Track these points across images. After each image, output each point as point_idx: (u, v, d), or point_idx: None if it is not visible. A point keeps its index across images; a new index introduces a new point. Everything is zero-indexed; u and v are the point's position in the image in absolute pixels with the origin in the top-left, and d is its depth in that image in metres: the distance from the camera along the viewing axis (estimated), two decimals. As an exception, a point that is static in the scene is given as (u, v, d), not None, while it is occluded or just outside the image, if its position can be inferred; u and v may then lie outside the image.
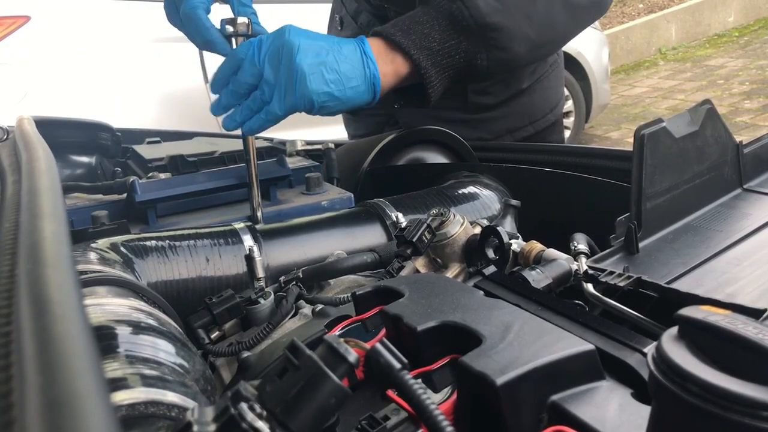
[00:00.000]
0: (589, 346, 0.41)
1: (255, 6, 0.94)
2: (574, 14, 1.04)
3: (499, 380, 0.37)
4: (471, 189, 0.98)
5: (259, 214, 0.92)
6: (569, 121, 4.57)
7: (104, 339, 0.49)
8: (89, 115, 1.36)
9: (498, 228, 0.65)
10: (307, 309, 0.69)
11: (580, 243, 0.66)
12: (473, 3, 0.93)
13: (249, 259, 0.73)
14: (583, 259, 0.64)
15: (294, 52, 0.85)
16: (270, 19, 0.93)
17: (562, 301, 0.54)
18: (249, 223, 0.84)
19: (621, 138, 5.04)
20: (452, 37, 0.94)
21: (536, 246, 0.67)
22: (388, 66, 0.93)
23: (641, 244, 0.66)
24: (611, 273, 0.60)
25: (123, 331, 0.51)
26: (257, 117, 0.89)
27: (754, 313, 0.49)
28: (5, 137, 0.78)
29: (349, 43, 0.92)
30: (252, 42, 0.88)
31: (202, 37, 0.90)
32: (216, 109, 0.91)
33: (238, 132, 0.92)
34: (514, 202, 0.88)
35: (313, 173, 1.04)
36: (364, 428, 0.42)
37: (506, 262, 0.66)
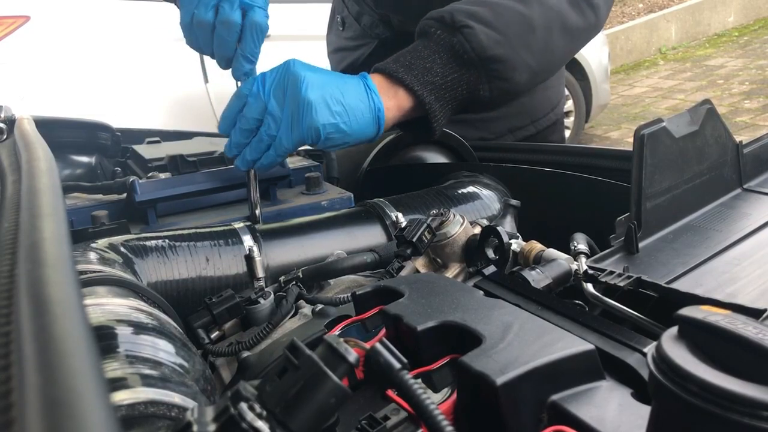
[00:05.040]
0: (589, 346, 0.41)
1: None
2: (572, 38, 1.05)
3: (499, 380, 0.37)
4: (471, 189, 0.98)
5: (257, 211, 0.92)
6: (569, 121, 4.57)
7: (104, 339, 0.49)
8: (89, 115, 1.36)
9: (498, 228, 0.65)
10: (307, 309, 0.69)
11: (580, 243, 0.66)
12: (474, 36, 0.92)
13: (249, 259, 0.73)
14: (583, 259, 0.64)
15: (299, 84, 0.85)
16: (270, 19, 0.92)
17: (562, 301, 0.54)
18: (249, 223, 0.84)
19: (621, 138, 5.04)
20: (454, 70, 0.94)
21: (536, 246, 0.67)
22: (391, 100, 0.92)
23: (641, 244, 0.66)
24: (611, 273, 0.60)
25: (123, 331, 0.51)
26: (267, 155, 0.89)
27: (754, 313, 0.49)
28: (5, 137, 0.78)
29: (353, 78, 0.92)
30: (256, 78, 0.88)
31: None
32: (229, 150, 0.91)
33: None
34: (514, 202, 0.88)
35: (313, 173, 1.04)
36: (364, 428, 0.42)
37: (506, 262, 0.66)
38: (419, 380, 0.36)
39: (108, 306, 0.55)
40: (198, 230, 0.81)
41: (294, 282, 0.72)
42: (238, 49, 0.87)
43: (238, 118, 0.89)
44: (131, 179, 0.95)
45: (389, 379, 0.36)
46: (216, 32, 0.86)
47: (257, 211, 0.92)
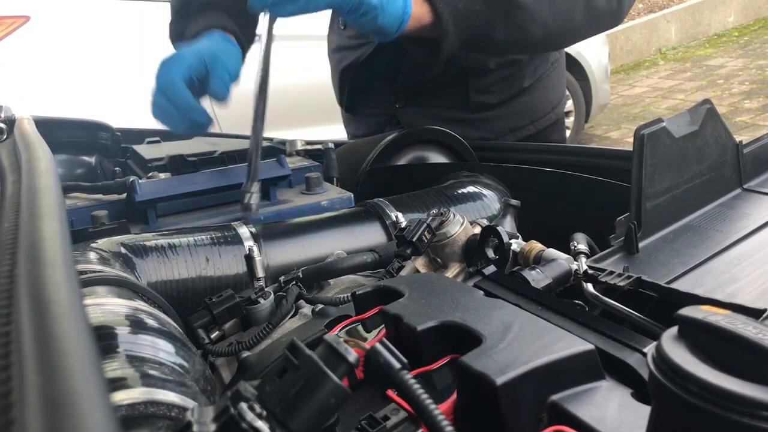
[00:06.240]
0: (589, 346, 0.41)
1: None
2: (592, 16, 1.09)
3: (499, 380, 0.37)
4: (471, 189, 0.98)
5: (254, 190, 0.90)
6: (569, 121, 4.56)
7: (104, 339, 0.49)
8: (89, 115, 1.36)
9: (498, 228, 0.65)
10: (307, 309, 0.69)
11: (580, 243, 0.66)
12: None
13: (249, 258, 0.73)
14: (583, 259, 0.64)
15: None
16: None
17: (562, 301, 0.54)
18: (248, 223, 0.84)
19: (621, 138, 5.04)
20: (478, 2, 0.98)
21: (536, 246, 0.67)
22: (417, 7, 0.95)
23: (641, 244, 0.66)
24: (611, 273, 0.60)
25: (123, 331, 0.51)
26: (296, 3, 0.87)
27: (754, 313, 0.49)
28: (5, 137, 0.78)
29: None
30: None
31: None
32: None
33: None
34: (514, 201, 0.88)
35: (313, 173, 1.04)
36: (364, 428, 0.42)
37: (506, 262, 0.66)
38: (419, 380, 0.36)
39: (108, 306, 0.55)
40: (198, 230, 0.81)
41: (294, 282, 0.72)
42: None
43: None
44: (131, 179, 0.95)
45: (389, 379, 0.36)
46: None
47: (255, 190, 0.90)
